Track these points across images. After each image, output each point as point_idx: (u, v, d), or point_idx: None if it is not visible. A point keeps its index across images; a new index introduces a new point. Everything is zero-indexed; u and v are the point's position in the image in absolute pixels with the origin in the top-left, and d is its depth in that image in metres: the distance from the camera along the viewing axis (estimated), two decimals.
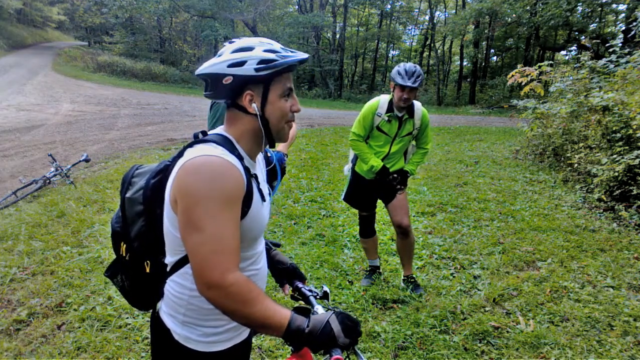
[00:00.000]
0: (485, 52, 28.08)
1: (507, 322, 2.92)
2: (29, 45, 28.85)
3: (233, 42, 1.14)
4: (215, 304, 1.00)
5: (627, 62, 6.43)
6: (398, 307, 3.11)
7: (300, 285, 1.39)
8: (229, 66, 1.07)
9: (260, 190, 1.16)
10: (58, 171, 5.63)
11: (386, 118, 3.02)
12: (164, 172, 1.15)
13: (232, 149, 1.09)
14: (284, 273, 1.44)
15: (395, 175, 3.13)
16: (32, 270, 3.43)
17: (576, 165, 6.33)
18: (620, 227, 4.61)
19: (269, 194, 1.34)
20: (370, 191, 3.30)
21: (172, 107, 14.27)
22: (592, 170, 5.62)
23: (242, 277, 1.00)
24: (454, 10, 30.36)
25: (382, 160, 3.13)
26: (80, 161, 5.92)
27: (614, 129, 5.57)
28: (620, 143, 5.34)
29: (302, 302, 1.34)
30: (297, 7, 31.03)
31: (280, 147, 2.53)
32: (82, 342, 2.58)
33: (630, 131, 5.18)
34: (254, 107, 1.10)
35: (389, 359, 2.55)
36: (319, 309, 1.24)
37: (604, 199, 5.20)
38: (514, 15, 20.55)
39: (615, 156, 5.23)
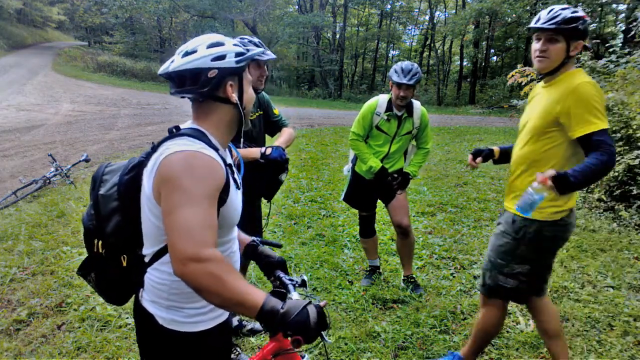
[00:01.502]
0: (485, 52, 28.08)
1: (507, 322, 2.92)
2: (29, 45, 28.84)
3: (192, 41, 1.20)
4: (190, 281, 0.99)
5: (627, 62, 6.43)
6: (398, 307, 3.11)
7: (281, 274, 1.43)
8: (213, 60, 1.13)
9: (235, 180, 1.22)
10: (58, 171, 5.63)
11: (385, 117, 3.02)
12: (138, 167, 1.18)
13: (208, 142, 1.14)
14: (273, 266, 1.47)
15: (395, 176, 3.13)
16: (32, 270, 3.43)
17: None
18: (620, 227, 4.61)
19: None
20: (370, 191, 3.29)
21: (172, 107, 14.27)
22: None
23: (219, 253, 1.02)
24: (454, 10, 30.37)
25: (382, 160, 3.13)
26: (80, 161, 5.92)
27: (613, 129, 5.56)
28: (620, 143, 5.34)
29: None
30: (297, 7, 31.03)
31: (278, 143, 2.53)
32: (82, 342, 2.58)
33: (630, 131, 5.18)
34: (235, 97, 1.18)
35: (389, 359, 2.55)
36: (294, 295, 1.28)
37: (604, 199, 5.20)
38: (514, 15, 20.56)
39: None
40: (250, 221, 2.38)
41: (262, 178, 2.30)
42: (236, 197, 1.21)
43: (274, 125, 2.59)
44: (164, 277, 1.16)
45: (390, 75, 2.98)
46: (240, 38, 2.24)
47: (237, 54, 1.17)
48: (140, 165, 1.17)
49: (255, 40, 2.24)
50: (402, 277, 3.42)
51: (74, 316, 2.84)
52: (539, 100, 1.93)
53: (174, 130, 1.16)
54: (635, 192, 4.82)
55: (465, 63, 29.91)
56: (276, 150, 2.21)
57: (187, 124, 1.22)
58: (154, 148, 1.13)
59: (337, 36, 28.81)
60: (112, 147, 8.16)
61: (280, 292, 1.09)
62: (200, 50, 1.14)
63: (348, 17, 29.42)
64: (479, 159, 2.27)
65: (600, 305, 3.10)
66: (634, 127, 5.04)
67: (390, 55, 35.84)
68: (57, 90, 15.11)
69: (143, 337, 1.26)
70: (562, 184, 1.58)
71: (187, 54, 1.15)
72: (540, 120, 1.86)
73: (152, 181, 1.09)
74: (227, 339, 1.29)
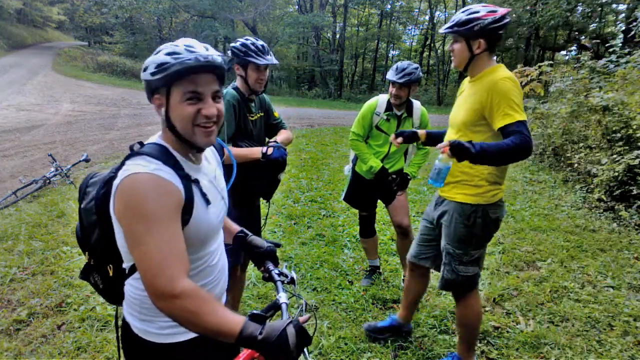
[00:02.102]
0: None
1: (507, 322, 2.92)
2: (29, 45, 28.84)
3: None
4: (167, 315, 1.01)
5: (627, 62, 6.43)
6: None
7: (271, 267, 1.42)
8: (143, 70, 1.09)
9: (204, 195, 1.16)
10: (58, 171, 5.63)
11: (385, 117, 3.03)
12: (109, 183, 1.14)
13: (168, 159, 1.09)
14: (262, 256, 1.45)
15: (394, 177, 3.13)
16: (32, 270, 3.43)
17: (576, 165, 6.33)
18: (620, 227, 4.61)
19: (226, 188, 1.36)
20: (370, 191, 3.30)
21: None
22: (592, 170, 5.62)
23: (191, 285, 1.01)
24: (454, 10, 30.35)
25: (382, 160, 3.13)
26: (80, 161, 5.92)
27: (614, 129, 5.57)
28: (620, 143, 5.34)
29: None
30: (297, 7, 31.02)
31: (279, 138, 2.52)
32: (82, 342, 2.58)
33: (630, 131, 5.18)
34: (162, 112, 1.10)
35: (389, 359, 2.55)
36: (281, 296, 1.27)
37: (604, 199, 5.20)
38: (514, 15, 20.53)
39: (615, 156, 5.23)
40: (250, 221, 2.38)
41: (262, 177, 2.30)
42: (205, 213, 1.16)
43: (274, 128, 2.59)
44: (137, 291, 1.17)
45: (387, 74, 3.01)
46: (245, 39, 2.25)
47: (158, 65, 1.06)
48: (111, 181, 1.12)
49: (259, 43, 2.24)
50: (402, 277, 3.42)
51: (74, 316, 2.84)
52: (466, 96, 2.06)
53: (138, 145, 1.13)
54: (635, 192, 4.82)
55: None
56: (277, 150, 2.21)
57: (155, 136, 1.19)
58: (122, 163, 1.10)
59: (337, 36, 28.80)
60: (112, 147, 8.16)
61: (260, 315, 1.07)
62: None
63: (348, 17, 29.41)
64: (399, 139, 2.39)
65: (600, 305, 3.10)
66: (634, 127, 5.04)
67: (390, 55, 35.81)
68: (57, 90, 15.11)
69: (123, 344, 1.28)
70: (458, 151, 1.73)
71: None
72: (468, 116, 1.98)
73: (112, 204, 1.07)
74: (203, 352, 1.25)
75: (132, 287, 1.18)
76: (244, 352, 1.31)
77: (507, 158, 1.80)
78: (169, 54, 1.07)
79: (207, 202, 1.17)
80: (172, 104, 1.09)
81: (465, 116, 2.00)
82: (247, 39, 2.24)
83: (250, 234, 1.51)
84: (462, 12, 1.96)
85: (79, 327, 2.73)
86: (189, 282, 1.01)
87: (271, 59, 2.24)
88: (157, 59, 1.07)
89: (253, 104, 2.39)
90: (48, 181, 5.51)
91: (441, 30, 2.07)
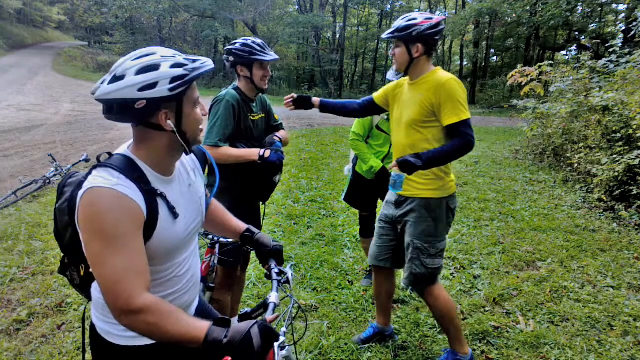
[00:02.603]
0: (485, 52, 28.07)
1: (507, 322, 2.92)
2: (29, 45, 28.86)
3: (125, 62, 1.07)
4: (130, 329, 1.01)
5: (627, 62, 6.44)
6: (398, 307, 3.11)
7: (272, 266, 1.45)
8: (140, 90, 1.02)
9: (172, 208, 1.15)
10: (58, 171, 5.63)
11: (385, 116, 3.03)
12: (79, 187, 1.11)
13: (132, 173, 1.08)
14: (267, 255, 1.49)
15: None
16: (32, 270, 3.43)
17: (576, 165, 6.33)
18: (620, 227, 4.61)
19: (209, 194, 1.37)
20: (370, 191, 3.30)
21: None
22: (592, 170, 5.62)
23: (151, 299, 1.01)
24: (454, 10, 30.36)
25: (383, 160, 3.13)
26: (80, 161, 5.91)
27: (614, 129, 5.57)
28: (620, 143, 5.34)
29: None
30: (297, 7, 31.03)
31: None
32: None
33: (630, 131, 5.18)
34: (170, 124, 1.09)
35: (389, 359, 2.55)
36: (272, 296, 1.31)
37: (604, 199, 5.20)
38: (514, 15, 20.54)
39: (615, 156, 5.23)
40: (249, 222, 2.37)
41: (258, 179, 2.29)
42: (171, 227, 1.15)
43: (274, 130, 2.59)
44: (99, 295, 1.18)
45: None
46: (244, 39, 2.24)
47: (173, 79, 1.04)
48: (81, 185, 1.10)
49: (258, 41, 2.23)
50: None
51: (74, 316, 2.84)
52: (410, 97, 2.20)
53: (107, 155, 1.13)
54: (635, 192, 4.82)
55: (465, 63, 29.91)
56: (275, 154, 2.19)
57: (124, 146, 1.17)
58: (90, 171, 1.09)
59: (337, 36, 28.81)
60: (112, 147, 8.15)
61: (224, 319, 1.08)
62: (127, 78, 1.03)
63: (348, 17, 29.41)
64: (290, 100, 2.55)
65: (600, 305, 3.10)
66: (634, 127, 5.04)
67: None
68: (57, 90, 15.12)
69: (91, 344, 1.29)
70: (405, 166, 1.97)
71: (114, 79, 1.04)
72: (418, 115, 2.14)
73: (76, 213, 1.05)
74: (166, 356, 1.24)
75: (96, 290, 1.20)
76: None
77: (452, 158, 2.06)
78: (176, 65, 1.06)
79: (175, 215, 1.16)
80: (185, 112, 1.11)
81: (415, 115, 2.15)
82: (246, 39, 2.23)
83: (257, 232, 1.52)
84: (402, 19, 2.15)
85: (79, 327, 2.72)
86: (148, 296, 1.01)
87: (274, 55, 2.26)
88: (167, 73, 1.04)
89: (254, 104, 2.38)
90: (48, 181, 5.51)
91: (383, 36, 2.22)
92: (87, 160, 5.97)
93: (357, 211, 3.51)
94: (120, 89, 1.02)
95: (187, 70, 1.07)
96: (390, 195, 2.39)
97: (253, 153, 2.18)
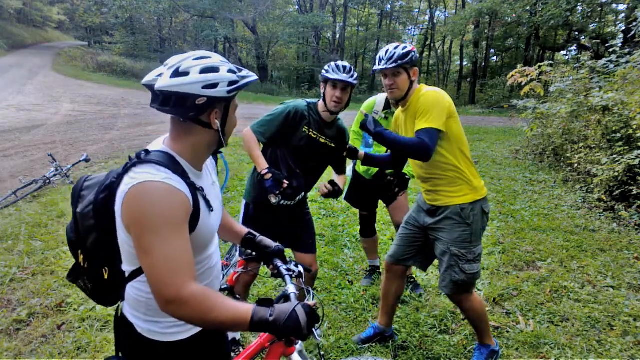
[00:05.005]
0: (485, 52, 28.08)
1: (507, 322, 2.92)
2: (29, 45, 28.85)
3: (176, 59, 1.13)
4: (176, 317, 1.05)
5: (627, 62, 6.43)
6: (398, 307, 3.10)
7: (279, 264, 1.52)
8: (204, 87, 1.09)
9: (207, 201, 1.20)
10: (58, 171, 5.63)
11: (383, 115, 3.03)
12: (110, 188, 1.15)
13: (176, 168, 1.11)
14: (271, 255, 1.56)
15: (391, 178, 3.13)
16: (32, 270, 3.43)
17: (576, 165, 6.33)
18: (620, 227, 4.61)
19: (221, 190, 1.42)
20: (370, 191, 3.30)
21: None
22: (592, 170, 5.62)
23: (198, 288, 1.04)
24: (454, 10, 30.37)
25: None
26: (80, 161, 5.92)
27: (614, 129, 5.57)
28: (620, 143, 5.34)
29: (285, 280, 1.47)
30: (297, 7, 31.03)
31: None
32: (82, 342, 2.58)
33: (630, 131, 5.18)
34: (217, 123, 1.16)
35: (389, 358, 2.55)
36: (290, 287, 1.38)
37: (604, 199, 5.20)
38: (514, 15, 20.54)
39: (615, 156, 5.23)
40: (291, 224, 2.46)
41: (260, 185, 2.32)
42: (208, 219, 1.20)
43: (339, 163, 2.58)
44: (141, 294, 1.18)
45: None
46: (336, 63, 2.30)
47: (230, 83, 1.12)
48: (112, 187, 1.14)
49: (344, 64, 2.28)
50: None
51: (74, 316, 2.84)
52: (406, 122, 2.29)
53: (144, 152, 1.14)
54: (635, 192, 4.82)
55: (465, 63, 29.92)
56: (272, 184, 2.16)
57: (158, 142, 1.20)
58: (126, 169, 1.10)
59: (337, 36, 28.81)
60: (112, 147, 8.16)
61: (267, 299, 1.15)
62: (192, 75, 1.08)
63: (348, 17, 29.42)
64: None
65: (600, 305, 3.10)
66: (634, 127, 5.04)
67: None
68: (57, 90, 15.12)
69: (125, 345, 1.28)
70: (364, 127, 2.21)
71: (177, 74, 1.08)
72: None
73: (120, 211, 1.08)
74: (210, 345, 1.29)
75: (136, 289, 1.19)
76: (254, 344, 1.37)
77: (399, 148, 2.16)
78: (231, 71, 1.14)
79: (210, 208, 1.21)
80: (230, 114, 1.20)
81: None
82: (337, 62, 2.31)
83: (258, 235, 1.58)
84: (395, 48, 2.22)
85: (79, 327, 2.73)
86: (196, 285, 1.04)
87: (346, 77, 2.25)
88: (226, 77, 1.12)
89: (330, 129, 2.40)
90: (48, 181, 5.51)
91: (380, 68, 2.21)
92: (87, 160, 5.98)
93: (357, 211, 3.51)
94: (186, 84, 1.07)
95: (239, 77, 1.15)
96: (422, 203, 2.41)
97: (261, 165, 2.22)
